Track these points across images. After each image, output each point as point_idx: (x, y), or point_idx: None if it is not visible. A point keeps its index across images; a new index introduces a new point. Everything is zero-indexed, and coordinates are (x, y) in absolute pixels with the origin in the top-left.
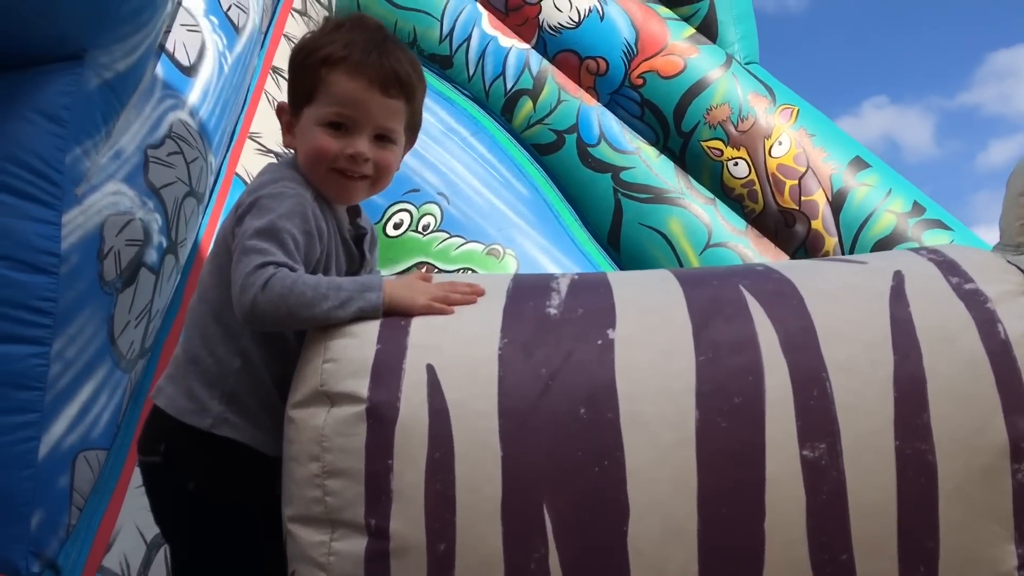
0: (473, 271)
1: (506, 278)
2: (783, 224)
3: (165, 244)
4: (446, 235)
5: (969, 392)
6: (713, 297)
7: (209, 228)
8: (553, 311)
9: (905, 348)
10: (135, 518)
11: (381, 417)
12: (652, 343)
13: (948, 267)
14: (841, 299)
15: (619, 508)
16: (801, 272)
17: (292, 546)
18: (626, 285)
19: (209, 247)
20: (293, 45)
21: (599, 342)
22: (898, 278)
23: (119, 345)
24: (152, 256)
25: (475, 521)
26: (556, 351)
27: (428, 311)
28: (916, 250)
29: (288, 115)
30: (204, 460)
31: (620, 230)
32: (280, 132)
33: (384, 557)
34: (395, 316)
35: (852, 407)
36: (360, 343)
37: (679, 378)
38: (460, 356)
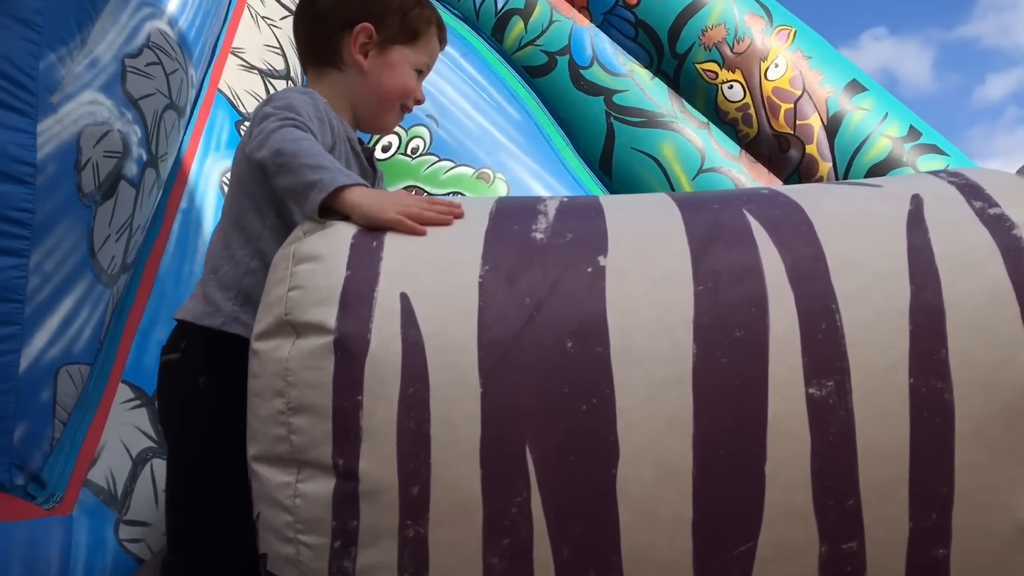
0: (462, 195)
1: (489, 200)
2: (777, 149)
3: (145, 158)
4: (435, 158)
5: (991, 325)
6: (714, 222)
7: (191, 144)
8: (539, 236)
9: (923, 278)
10: (120, 434)
11: (350, 349)
12: (646, 271)
13: (970, 190)
14: (854, 225)
15: (608, 449)
16: (811, 196)
17: (257, 487)
18: (620, 209)
19: (191, 163)
20: None
21: (589, 270)
22: (916, 202)
23: (100, 259)
24: (132, 169)
25: (451, 462)
26: (542, 279)
27: (397, 226)
28: (935, 173)
29: (371, 40)
30: (216, 356)
31: (612, 155)
32: (258, 46)
33: (353, 499)
34: (365, 237)
35: (864, 342)
36: (328, 268)
37: (675, 309)
38: (437, 284)
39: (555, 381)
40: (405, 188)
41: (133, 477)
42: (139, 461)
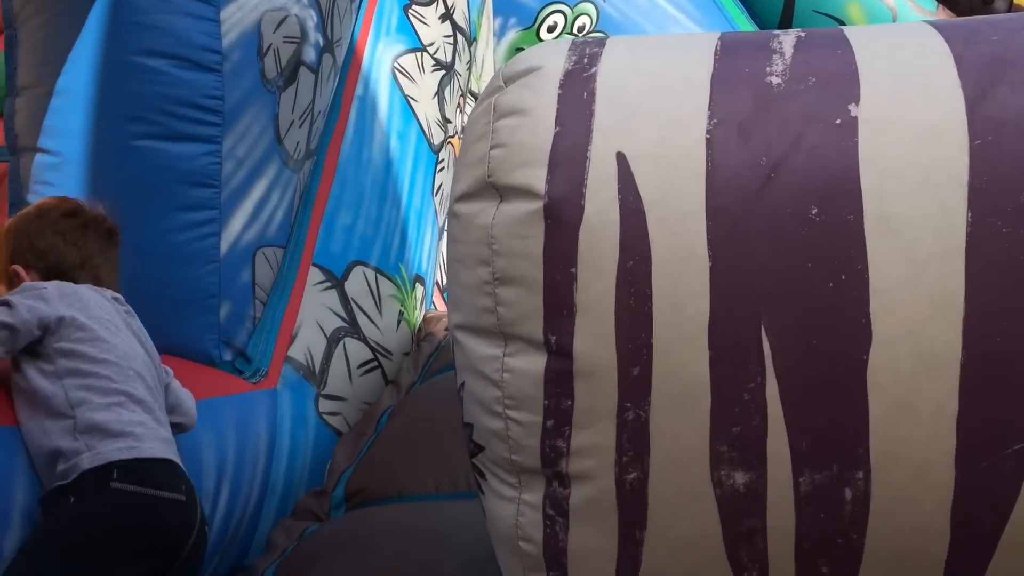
0: None
1: (711, 37)
2: (979, 2)
3: (322, 43)
4: (603, 36)
5: None
6: (994, 58)
7: (363, 31)
8: (776, 80)
9: None
10: (314, 314)
11: (561, 217)
12: (909, 122)
13: None
14: None
15: (858, 333)
16: None
17: (460, 355)
18: (871, 42)
19: (364, 50)
20: None
21: (837, 121)
22: None
23: (286, 145)
24: (310, 55)
25: (677, 343)
26: (780, 133)
27: None
28: None
29: None
30: None
31: (791, 20)
32: None
33: (567, 378)
34: (574, 86)
35: None
36: (534, 124)
37: (945, 169)
38: (658, 142)
39: (796, 254)
40: None
41: (328, 355)
42: (333, 340)
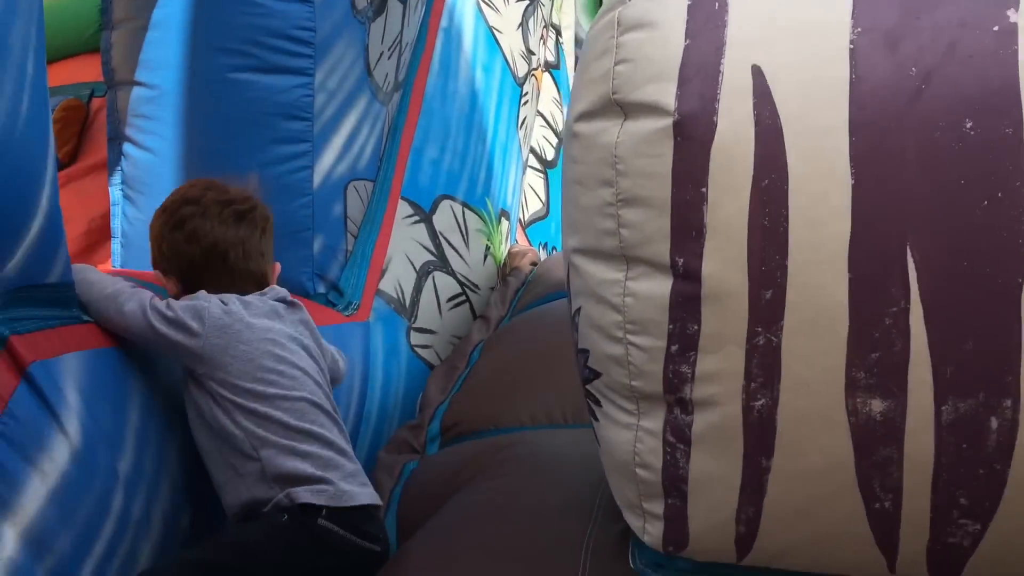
0: None
1: None
2: None
3: None
4: None
5: None
6: None
7: None
8: None
9: None
10: (403, 247)
11: (692, 134)
12: None
13: None
14: None
15: (1013, 255)
16: None
17: (576, 280)
18: None
19: None
20: None
21: (995, 28)
22: None
23: (375, 76)
24: None
25: (814, 265)
26: (932, 42)
27: None
28: None
29: None
30: None
31: None
32: None
33: (694, 302)
34: (705, 0)
35: None
36: (663, 37)
37: None
38: (797, 53)
39: (948, 170)
40: None
41: (419, 288)
42: (422, 273)
